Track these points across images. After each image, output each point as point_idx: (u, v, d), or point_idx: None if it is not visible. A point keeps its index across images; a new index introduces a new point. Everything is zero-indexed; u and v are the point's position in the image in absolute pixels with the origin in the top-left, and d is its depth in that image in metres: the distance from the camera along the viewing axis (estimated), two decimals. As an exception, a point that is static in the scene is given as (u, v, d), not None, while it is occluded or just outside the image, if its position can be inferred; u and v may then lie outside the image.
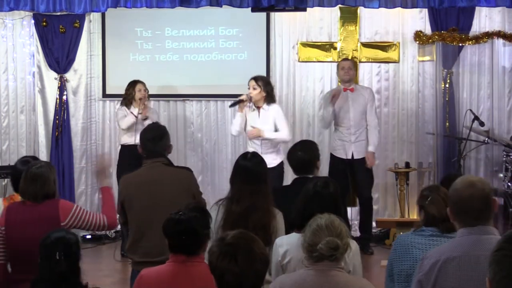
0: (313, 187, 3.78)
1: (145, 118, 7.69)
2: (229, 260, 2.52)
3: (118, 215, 4.62)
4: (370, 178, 7.79)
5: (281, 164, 6.91)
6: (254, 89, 6.83)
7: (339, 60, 8.12)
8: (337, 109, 7.61)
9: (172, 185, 4.51)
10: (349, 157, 7.59)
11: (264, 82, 6.97)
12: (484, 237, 2.91)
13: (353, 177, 7.76)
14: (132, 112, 7.78)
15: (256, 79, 6.93)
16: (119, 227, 8.47)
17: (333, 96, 7.54)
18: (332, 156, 7.80)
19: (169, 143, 4.75)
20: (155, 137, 4.67)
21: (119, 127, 7.95)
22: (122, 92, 8.13)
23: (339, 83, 8.37)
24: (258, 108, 6.88)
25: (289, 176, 6.95)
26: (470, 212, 2.99)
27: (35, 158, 4.86)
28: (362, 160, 7.65)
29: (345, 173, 7.64)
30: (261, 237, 3.79)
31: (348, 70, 7.67)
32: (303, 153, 4.71)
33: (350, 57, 8.36)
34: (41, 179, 4.13)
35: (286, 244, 3.64)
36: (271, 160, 6.69)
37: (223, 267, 2.53)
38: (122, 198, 4.60)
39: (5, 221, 4.10)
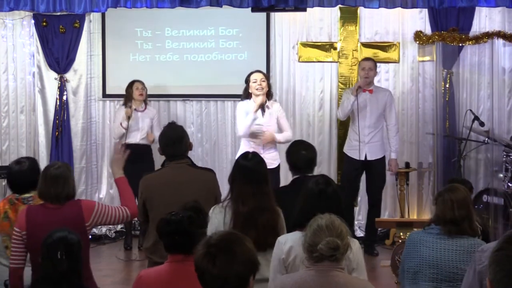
0: (316, 185, 3.77)
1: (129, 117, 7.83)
2: (207, 261, 2.50)
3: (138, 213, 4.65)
4: (382, 181, 7.79)
5: (279, 166, 6.91)
6: (263, 81, 6.78)
7: (360, 59, 8.01)
8: (355, 110, 7.51)
9: (196, 186, 4.54)
10: (362, 158, 7.56)
11: (267, 77, 7.02)
12: None
13: (366, 178, 7.76)
14: (121, 124, 7.81)
15: (261, 72, 6.94)
16: (119, 227, 8.56)
17: (358, 87, 7.42)
18: (346, 156, 7.77)
19: (189, 141, 4.76)
20: (175, 141, 4.67)
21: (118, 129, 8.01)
22: (122, 92, 8.18)
23: (339, 84, 8.37)
24: (261, 106, 6.84)
25: (281, 177, 7.00)
26: None
27: (30, 160, 4.81)
28: (376, 161, 7.63)
29: (357, 174, 7.65)
30: (271, 237, 3.82)
31: (369, 71, 7.51)
32: (307, 152, 4.70)
33: (350, 57, 8.36)
34: (61, 180, 4.14)
35: (291, 241, 3.65)
36: (272, 160, 6.67)
37: (203, 267, 2.51)
38: (144, 198, 4.62)
39: (26, 225, 4.07)
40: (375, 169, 7.64)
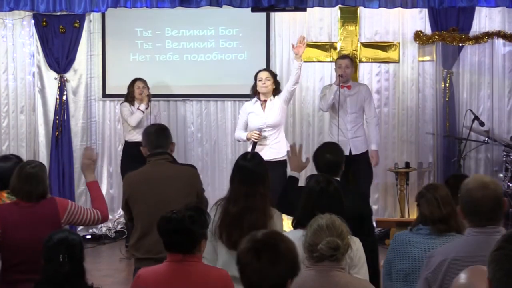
0: (317, 184, 3.77)
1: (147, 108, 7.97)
2: (252, 256, 2.51)
3: (123, 212, 4.66)
4: (369, 175, 7.74)
5: (286, 162, 6.92)
6: (268, 80, 6.87)
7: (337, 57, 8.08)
8: (335, 106, 7.58)
9: (177, 183, 4.54)
10: (347, 153, 7.55)
11: (275, 75, 7.08)
12: (493, 238, 2.92)
13: (352, 174, 7.75)
14: (139, 108, 7.88)
15: (268, 70, 7.03)
16: (119, 227, 8.56)
17: (340, 76, 7.45)
18: None
19: (171, 139, 4.79)
20: (157, 129, 4.73)
21: (128, 124, 7.97)
22: (122, 92, 8.20)
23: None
24: (265, 101, 6.89)
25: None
26: (481, 213, 2.99)
27: (17, 157, 4.82)
28: (361, 156, 7.61)
29: (344, 170, 7.62)
30: None
31: (345, 68, 7.52)
32: (331, 155, 4.66)
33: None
34: (36, 179, 4.12)
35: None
36: (278, 151, 6.74)
37: (245, 262, 2.52)
38: (127, 196, 4.63)
39: (0, 224, 4.05)
40: (359, 164, 7.60)
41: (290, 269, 2.55)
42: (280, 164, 6.58)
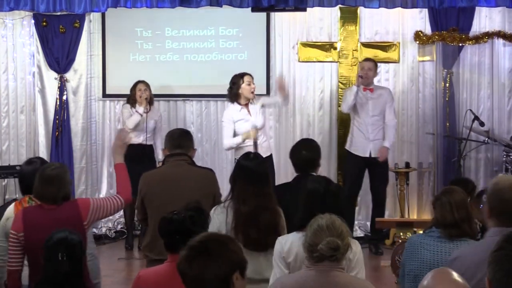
0: (320, 185, 3.76)
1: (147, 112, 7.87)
2: (185, 265, 2.48)
3: (136, 212, 4.66)
4: (385, 179, 7.81)
5: (271, 156, 6.97)
6: (253, 84, 6.91)
7: (361, 60, 8.09)
8: (357, 108, 7.61)
9: (194, 185, 4.55)
10: (367, 155, 7.60)
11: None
12: None
13: (370, 176, 7.77)
14: (137, 111, 7.82)
15: (251, 75, 6.99)
16: (119, 227, 8.56)
17: (360, 77, 7.52)
18: (349, 154, 7.76)
19: (193, 144, 4.83)
20: (181, 131, 4.83)
21: (126, 126, 7.93)
22: (122, 92, 8.20)
23: (339, 84, 8.39)
24: (246, 105, 6.89)
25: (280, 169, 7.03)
26: (510, 213, 2.99)
27: (41, 160, 4.80)
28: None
29: (361, 172, 7.68)
30: (272, 237, 3.83)
31: (368, 71, 7.59)
32: (307, 152, 4.70)
33: (350, 57, 8.36)
34: (57, 181, 4.08)
35: (291, 242, 3.64)
36: (265, 151, 6.74)
37: (182, 270, 2.49)
38: (143, 195, 4.64)
39: (23, 226, 4.02)
40: (377, 167, 7.65)
41: (228, 266, 2.48)
42: (267, 160, 6.62)
